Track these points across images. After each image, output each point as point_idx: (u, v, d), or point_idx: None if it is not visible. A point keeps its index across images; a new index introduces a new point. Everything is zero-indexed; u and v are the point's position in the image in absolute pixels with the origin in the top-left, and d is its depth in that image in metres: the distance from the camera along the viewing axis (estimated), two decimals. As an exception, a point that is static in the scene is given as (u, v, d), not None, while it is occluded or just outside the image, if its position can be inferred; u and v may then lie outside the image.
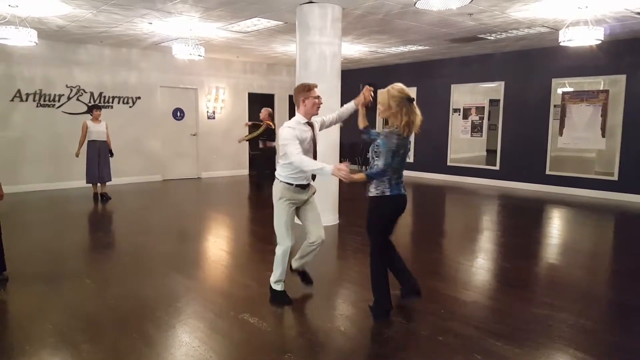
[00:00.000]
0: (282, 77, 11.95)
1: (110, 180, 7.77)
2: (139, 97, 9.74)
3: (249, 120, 9.63)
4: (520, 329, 3.07)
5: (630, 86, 7.95)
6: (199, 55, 7.46)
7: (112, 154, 7.70)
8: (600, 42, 5.94)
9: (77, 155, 7.47)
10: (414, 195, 9.43)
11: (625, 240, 6.01)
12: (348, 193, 8.85)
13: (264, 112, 8.61)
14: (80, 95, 9.02)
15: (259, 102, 12.38)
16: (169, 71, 10.06)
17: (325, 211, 6.02)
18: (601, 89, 8.47)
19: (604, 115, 8.30)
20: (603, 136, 8.34)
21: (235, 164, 11.31)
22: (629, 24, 6.66)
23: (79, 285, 3.86)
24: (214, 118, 10.78)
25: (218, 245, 5.36)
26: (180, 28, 7.28)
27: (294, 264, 3.69)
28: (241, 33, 7.78)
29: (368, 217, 3.30)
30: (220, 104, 10.93)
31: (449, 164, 10.70)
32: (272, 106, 11.98)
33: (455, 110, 10.65)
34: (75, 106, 8.98)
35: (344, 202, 6.62)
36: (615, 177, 8.21)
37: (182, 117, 10.44)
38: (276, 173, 3.44)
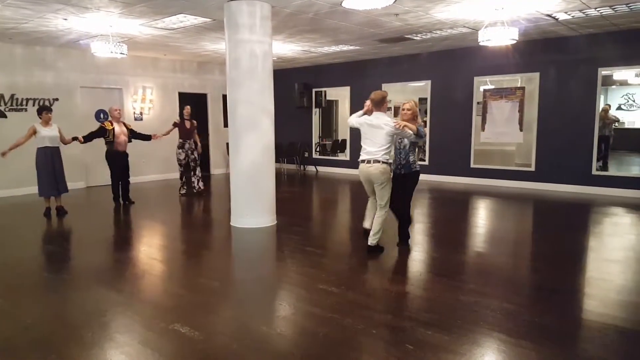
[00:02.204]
0: (214, 76, 11.64)
1: (67, 191, 6.85)
2: (57, 99, 9.06)
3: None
4: (449, 316, 3.20)
5: (544, 83, 8.59)
6: (121, 54, 7.05)
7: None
8: (515, 41, 6.36)
9: (3, 155, 6.27)
10: (352, 191, 9.59)
11: (543, 226, 6.49)
12: (286, 192, 8.82)
13: (115, 112, 7.54)
14: (-13, 98, 8.24)
15: (191, 102, 12.01)
16: (90, 70, 9.45)
17: (262, 212, 5.97)
18: (518, 86, 9.10)
19: (521, 110, 8.91)
20: (521, 130, 8.96)
21: (165, 167, 10.84)
22: (540, 24, 7.17)
23: (-13, 306, 3.50)
24: (141, 119, 10.28)
25: (148, 253, 5.09)
26: (99, 24, 6.86)
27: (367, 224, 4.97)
28: (167, 30, 7.47)
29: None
30: (148, 104, 10.45)
31: (382, 160, 10.97)
32: (205, 106, 11.66)
33: (387, 109, 10.94)
34: (-18, 110, 8.19)
35: (281, 203, 6.57)
36: (533, 168, 8.85)
37: (105, 118, 9.78)
38: (382, 159, 4.50)
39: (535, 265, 4.62)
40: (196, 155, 8.40)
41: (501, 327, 3.05)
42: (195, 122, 8.44)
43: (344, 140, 11.93)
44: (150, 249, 5.34)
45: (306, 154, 12.33)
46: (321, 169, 12.06)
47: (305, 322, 3.21)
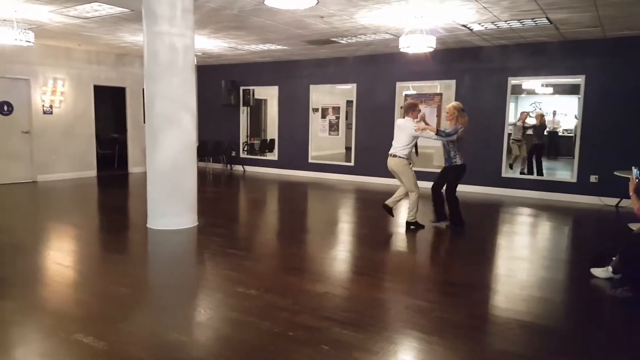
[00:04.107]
0: (134, 68, 11.00)
1: None
2: (-51, 87, 8.10)
3: None
4: (365, 315, 3.26)
5: (459, 89, 9.10)
6: (27, 42, 6.44)
7: None
8: (433, 49, 6.66)
9: None
10: (279, 192, 9.53)
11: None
12: (210, 192, 8.57)
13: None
14: None
15: (108, 95, 11.33)
16: (-9, 58, 8.56)
17: (182, 213, 5.73)
18: (437, 92, 9.56)
19: (439, 115, 9.37)
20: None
21: (79, 165, 10.10)
22: (457, 34, 7.59)
23: None
24: (51, 113, 9.49)
25: (53, 258, 4.67)
26: (1, 9, 6.21)
27: (391, 204, 5.99)
28: (80, 19, 6.95)
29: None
30: (59, 97, 9.66)
31: (310, 161, 11.04)
32: (123, 100, 11.00)
33: (315, 110, 11.03)
34: None
35: (205, 203, 6.36)
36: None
37: (10, 111, 8.96)
38: (400, 154, 5.71)
39: (449, 263, 4.87)
40: None
41: (414, 324, 3.16)
42: None
43: (273, 140, 11.84)
44: (56, 253, 4.92)
45: (233, 153, 12.07)
46: (249, 168, 11.87)
47: (221, 328, 3.12)
